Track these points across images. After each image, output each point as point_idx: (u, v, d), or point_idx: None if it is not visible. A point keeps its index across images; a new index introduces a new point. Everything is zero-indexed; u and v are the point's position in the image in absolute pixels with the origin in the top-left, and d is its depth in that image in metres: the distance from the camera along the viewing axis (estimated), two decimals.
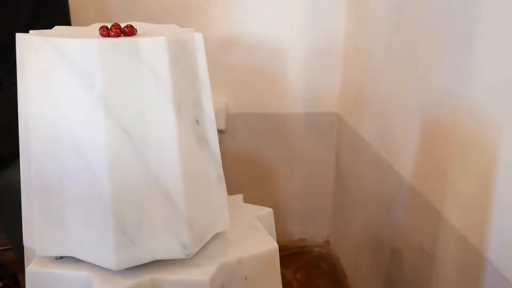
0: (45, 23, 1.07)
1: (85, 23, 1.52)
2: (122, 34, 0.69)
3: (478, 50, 0.88)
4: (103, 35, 0.67)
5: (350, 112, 1.60)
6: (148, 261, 0.67)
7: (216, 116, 1.79)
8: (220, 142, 1.74)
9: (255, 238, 0.76)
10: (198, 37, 0.68)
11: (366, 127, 1.45)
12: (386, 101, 1.30)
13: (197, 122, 0.68)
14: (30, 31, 0.69)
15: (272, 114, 1.70)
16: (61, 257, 0.71)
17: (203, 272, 0.68)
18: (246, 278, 0.72)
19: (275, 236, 0.83)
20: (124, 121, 0.62)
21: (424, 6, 1.08)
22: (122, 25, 0.70)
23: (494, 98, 0.84)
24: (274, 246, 0.75)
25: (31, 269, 0.70)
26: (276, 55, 1.64)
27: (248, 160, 1.73)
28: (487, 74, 0.86)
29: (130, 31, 0.69)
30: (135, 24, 0.77)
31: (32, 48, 0.64)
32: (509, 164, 0.80)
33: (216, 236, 0.74)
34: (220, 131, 1.66)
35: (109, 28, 0.68)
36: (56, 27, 0.75)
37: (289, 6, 1.60)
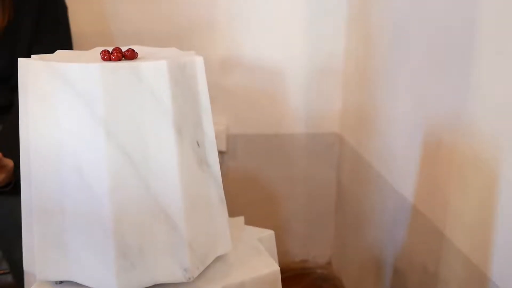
0: (46, 47, 1.08)
1: (86, 46, 1.53)
2: (123, 58, 0.69)
3: (477, 71, 0.88)
4: (104, 59, 0.68)
5: (351, 132, 1.60)
6: (150, 285, 0.67)
7: (216, 137, 1.79)
8: (221, 163, 1.74)
9: (256, 261, 0.75)
10: (198, 60, 0.68)
11: (367, 147, 1.45)
12: (386, 121, 1.30)
13: (198, 144, 0.69)
14: (32, 55, 0.70)
15: (273, 134, 1.70)
16: (62, 282, 0.70)
17: None
18: None
19: (276, 258, 0.83)
20: (126, 143, 0.62)
21: (423, 27, 1.09)
22: (123, 48, 0.71)
23: (493, 118, 0.84)
24: (276, 268, 0.74)
25: None
26: (276, 76, 1.65)
27: (249, 180, 1.73)
28: (486, 95, 0.86)
29: (131, 55, 0.70)
30: (136, 48, 0.78)
31: (34, 72, 0.64)
32: (510, 184, 0.80)
33: (218, 258, 0.74)
34: (221, 152, 1.66)
35: (111, 52, 0.69)
36: (58, 52, 0.75)
37: (289, 27, 1.62)
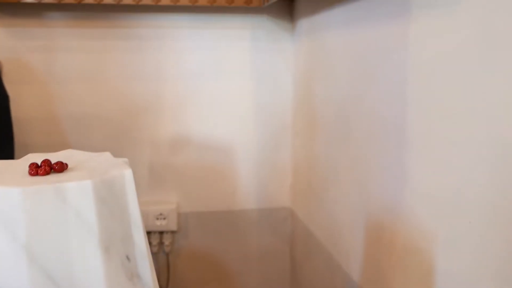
0: None
1: (32, 132, 1.51)
2: (52, 171, 0.69)
3: (410, 162, 0.91)
4: (31, 174, 0.67)
5: (302, 208, 1.61)
6: None
7: (167, 216, 1.76)
8: (172, 242, 1.71)
9: None
10: (127, 174, 0.68)
11: (317, 224, 1.46)
12: (332, 201, 1.32)
13: (128, 258, 0.67)
14: None
15: (225, 211, 1.70)
16: None
17: None
18: None
19: None
20: (50, 267, 0.61)
21: (361, 115, 1.13)
22: (54, 158, 0.70)
23: (427, 210, 0.86)
24: None
25: None
26: (226, 153, 1.66)
27: (202, 259, 1.70)
28: (419, 186, 0.89)
29: (60, 168, 0.69)
30: (67, 154, 0.77)
31: None
32: (445, 274, 0.81)
33: None
34: (172, 232, 1.64)
35: (39, 165, 0.68)
36: None
37: (237, 105, 1.65)
